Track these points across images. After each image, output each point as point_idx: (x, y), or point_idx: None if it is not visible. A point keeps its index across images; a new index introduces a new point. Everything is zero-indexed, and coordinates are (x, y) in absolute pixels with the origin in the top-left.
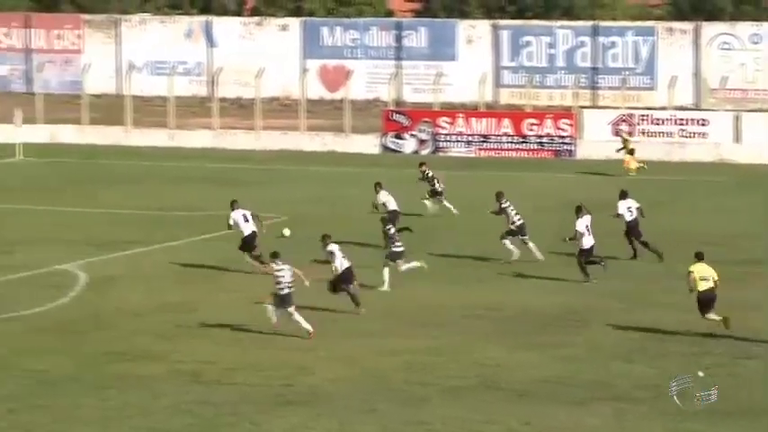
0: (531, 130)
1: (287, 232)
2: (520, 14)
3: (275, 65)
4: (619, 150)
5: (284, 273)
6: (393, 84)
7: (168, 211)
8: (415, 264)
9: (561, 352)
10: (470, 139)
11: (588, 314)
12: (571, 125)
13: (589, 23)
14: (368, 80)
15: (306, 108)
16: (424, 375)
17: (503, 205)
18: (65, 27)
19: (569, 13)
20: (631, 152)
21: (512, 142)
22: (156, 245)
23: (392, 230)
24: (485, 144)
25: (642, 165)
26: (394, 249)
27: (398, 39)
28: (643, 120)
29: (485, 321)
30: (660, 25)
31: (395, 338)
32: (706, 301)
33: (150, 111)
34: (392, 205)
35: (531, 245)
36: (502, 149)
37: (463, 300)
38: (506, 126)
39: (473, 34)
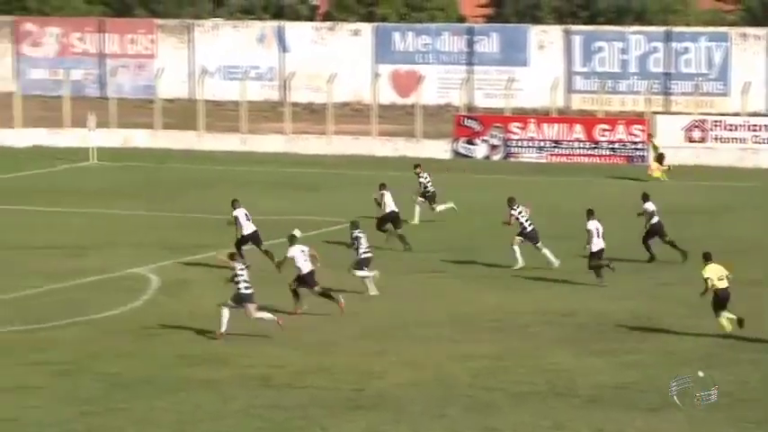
0: (603, 135)
1: (297, 233)
2: (592, 20)
3: (347, 70)
4: (657, 157)
5: (244, 272)
6: (464, 89)
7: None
8: (373, 273)
9: (631, 358)
10: (542, 144)
11: (656, 320)
12: (643, 131)
13: (662, 29)
14: (439, 85)
15: (377, 113)
16: (492, 381)
17: (513, 212)
18: (138, 32)
19: (642, 19)
20: (659, 158)
21: (583, 148)
22: (227, 249)
23: (360, 235)
24: (556, 150)
25: (666, 169)
26: (363, 257)
27: (470, 44)
28: (716, 125)
29: (553, 327)
30: (733, 31)
31: (464, 344)
32: (724, 300)
33: (222, 115)
34: (392, 206)
35: (545, 251)
36: (573, 155)
37: (530, 305)
38: (578, 132)
39: (545, 39)
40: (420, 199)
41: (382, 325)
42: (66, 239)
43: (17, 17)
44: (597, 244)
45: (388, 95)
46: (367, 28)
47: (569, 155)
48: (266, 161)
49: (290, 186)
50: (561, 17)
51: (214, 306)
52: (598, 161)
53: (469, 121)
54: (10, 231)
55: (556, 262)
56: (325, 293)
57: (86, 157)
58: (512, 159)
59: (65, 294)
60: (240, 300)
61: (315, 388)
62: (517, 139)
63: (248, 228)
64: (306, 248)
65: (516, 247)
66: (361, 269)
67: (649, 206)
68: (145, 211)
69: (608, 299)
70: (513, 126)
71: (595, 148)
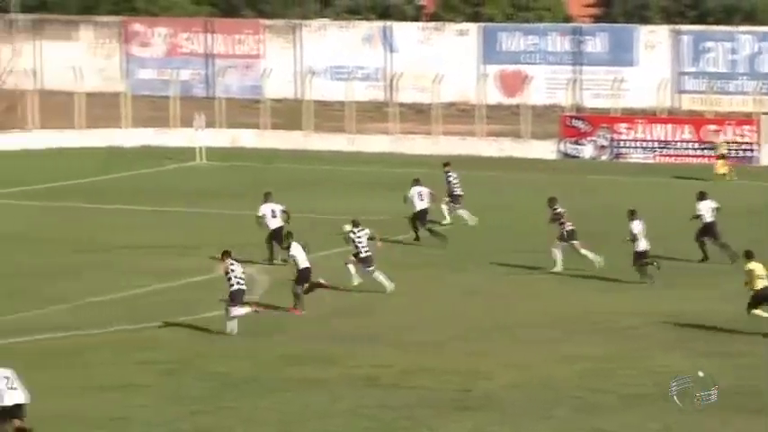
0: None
1: (347, 228)
2: (700, 19)
3: (453, 70)
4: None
5: (236, 269)
6: (571, 89)
7: (347, 215)
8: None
9: (742, 360)
10: (650, 145)
11: (758, 323)
12: (753, 131)
13: None
14: (546, 85)
15: (484, 113)
16: (599, 382)
17: (556, 211)
18: (245, 32)
19: (751, 18)
20: (722, 157)
21: (692, 148)
22: (335, 249)
23: (361, 234)
24: (664, 150)
25: (727, 170)
26: (363, 255)
27: (577, 44)
28: None
29: (660, 328)
30: None
31: (567, 345)
32: (762, 298)
33: (329, 115)
34: (421, 205)
35: (584, 251)
36: (682, 155)
37: (630, 306)
38: (687, 132)
39: (653, 39)
40: (446, 198)
41: (484, 326)
42: (173, 239)
43: (125, 18)
44: (642, 244)
45: (494, 95)
46: (473, 28)
47: (678, 155)
48: (372, 161)
49: (395, 187)
50: (669, 17)
51: (322, 306)
52: (707, 162)
53: (576, 121)
54: (119, 231)
55: (597, 261)
56: (309, 291)
57: (194, 157)
58: (620, 160)
59: (173, 294)
60: (235, 296)
61: (421, 388)
62: (625, 140)
63: (273, 223)
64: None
65: (556, 249)
66: (368, 267)
67: (700, 206)
68: (252, 211)
69: (709, 300)
70: (621, 126)
71: (704, 148)
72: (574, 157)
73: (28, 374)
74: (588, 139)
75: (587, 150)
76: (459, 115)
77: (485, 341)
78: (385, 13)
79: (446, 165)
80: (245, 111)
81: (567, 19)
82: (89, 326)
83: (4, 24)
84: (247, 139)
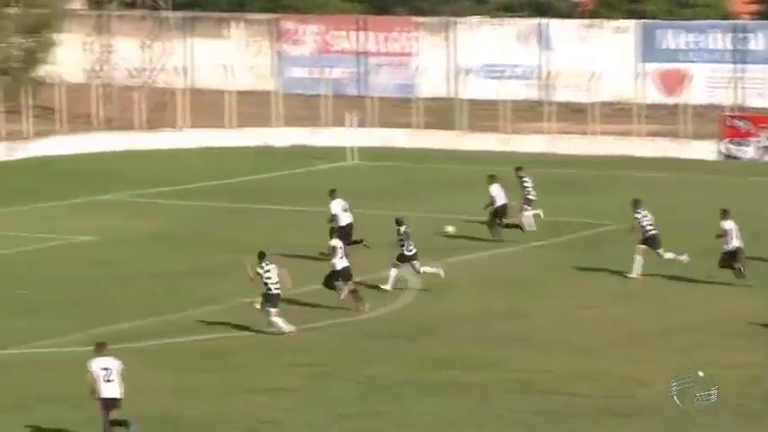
0: None
1: (450, 229)
2: None
3: (610, 68)
4: None
5: (271, 273)
6: (733, 88)
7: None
8: (431, 269)
9: None
10: None
11: None
12: None
13: None
14: (707, 84)
15: (642, 113)
16: (761, 390)
17: (637, 215)
18: (397, 30)
19: None
20: None
21: None
22: (488, 251)
23: (406, 231)
24: None
25: None
26: (405, 253)
27: (740, 41)
28: None
29: None
30: None
31: (729, 351)
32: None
33: (482, 114)
34: (501, 200)
35: (668, 255)
36: None
37: None
38: None
39: None
40: (522, 203)
41: (642, 331)
42: (325, 240)
43: (277, 15)
44: (733, 243)
45: (652, 94)
46: (631, 25)
47: None
48: (526, 161)
49: (550, 188)
50: None
51: (477, 308)
52: None
53: (738, 121)
54: (269, 231)
55: (685, 260)
56: (355, 291)
57: (345, 157)
58: None
59: (324, 295)
60: (270, 299)
61: (575, 394)
62: None
63: (344, 220)
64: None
65: (637, 256)
66: (398, 267)
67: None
68: (404, 212)
69: None
70: None
71: None
72: (734, 158)
73: (180, 375)
74: (750, 139)
75: (749, 151)
76: (616, 114)
77: (639, 346)
78: (540, 10)
79: (519, 169)
80: (396, 110)
81: (727, 16)
82: (241, 327)
83: (156, 22)
84: (399, 138)
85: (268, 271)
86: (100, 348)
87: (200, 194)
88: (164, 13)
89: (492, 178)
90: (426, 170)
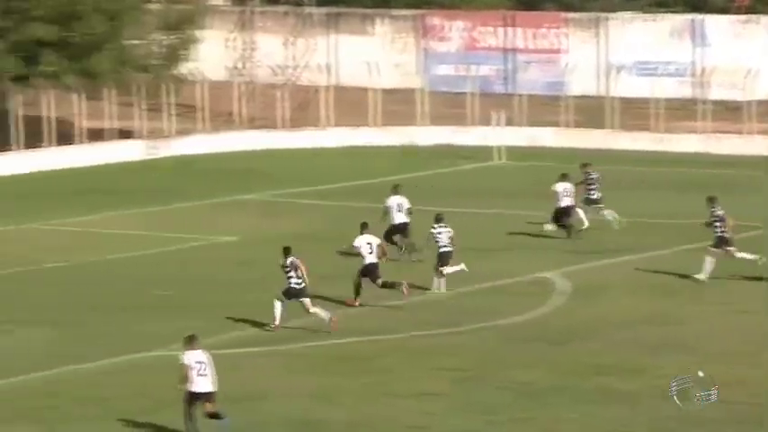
0: None
1: (549, 228)
2: None
3: (767, 65)
4: None
5: (293, 272)
6: None
7: (651, 218)
8: (458, 267)
9: None
10: None
11: None
12: None
13: None
14: None
15: None
16: None
17: (715, 213)
18: (546, 26)
19: None
20: None
21: None
22: (640, 253)
23: (442, 230)
24: None
25: None
26: (441, 251)
27: None
28: None
29: None
30: None
31: None
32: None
33: (634, 113)
34: (567, 201)
35: (740, 254)
36: None
37: None
38: None
39: None
40: (581, 201)
41: None
42: (470, 241)
43: (422, 11)
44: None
45: None
46: None
47: None
48: (680, 162)
49: (704, 189)
50: None
51: (629, 313)
52: None
53: None
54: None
55: (753, 258)
56: (387, 285)
57: (491, 157)
58: None
59: (470, 298)
60: (290, 294)
61: (731, 402)
62: None
63: (398, 218)
64: (373, 240)
65: (708, 258)
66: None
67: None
68: (549, 213)
69: None
70: None
71: None
72: None
73: (321, 379)
74: None
75: None
76: None
77: None
78: (694, 6)
79: (586, 165)
80: (545, 108)
81: None
82: (385, 330)
83: (299, 19)
84: (547, 137)
85: (289, 265)
86: (191, 341)
87: (343, 194)
88: (307, 9)
89: (563, 177)
90: (575, 170)
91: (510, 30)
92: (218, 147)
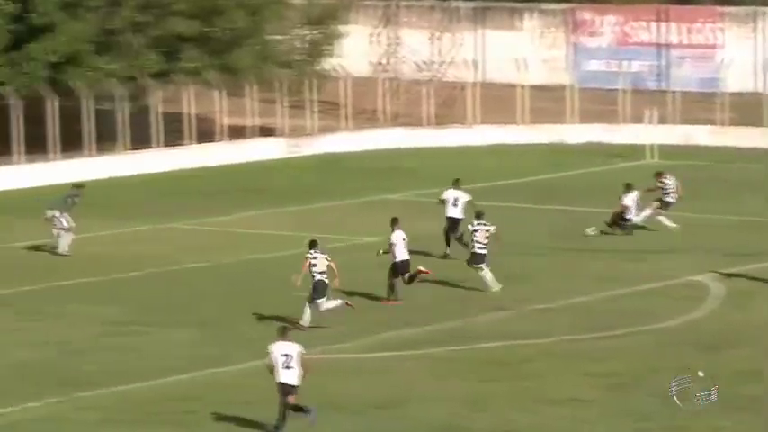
0: None
1: (591, 231)
2: None
3: None
4: None
5: (317, 261)
6: None
7: None
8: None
9: None
10: None
11: None
12: None
13: None
14: None
15: None
16: None
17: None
18: (701, 20)
19: None
20: None
21: None
22: None
23: (478, 228)
24: None
25: None
26: (474, 251)
27: None
28: None
29: None
30: None
31: None
32: None
33: None
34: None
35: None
36: None
37: None
38: None
39: None
40: (656, 204)
41: None
42: (623, 243)
43: (572, 5)
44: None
45: None
46: None
47: None
48: None
49: None
50: None
51: None
52: None
53: None
54: (568, 233)
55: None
56: (411, 278)
57: (644, 155)
58: None
59: (623, 301)
60: (316, 288)
61: None
62: None
63: (450, 212)
64: (405, 237)
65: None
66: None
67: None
68: (705, 214)
69: None
70: None
71: None
72: None
73: (468, 383)
74: None
75: None
76: None
77: None
78: None
79: (660, 174)
80: (699, 105)
81: None
82: (536, 334)
83: (445, 13)
84: (701, 136)
85: (315, 258)
86: (283, 333)
87: (490, 193)
88: (454, 4)
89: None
90: (731, 170)
91: (663, 24)
92: (361, 145)
